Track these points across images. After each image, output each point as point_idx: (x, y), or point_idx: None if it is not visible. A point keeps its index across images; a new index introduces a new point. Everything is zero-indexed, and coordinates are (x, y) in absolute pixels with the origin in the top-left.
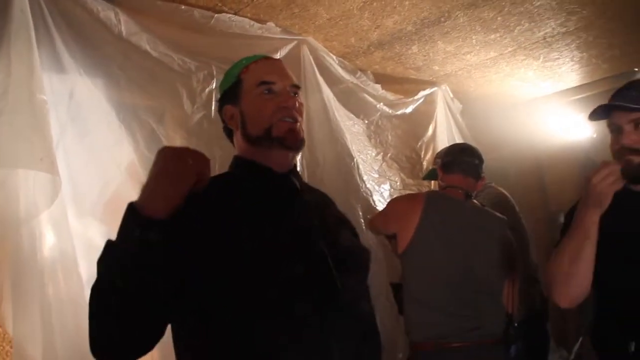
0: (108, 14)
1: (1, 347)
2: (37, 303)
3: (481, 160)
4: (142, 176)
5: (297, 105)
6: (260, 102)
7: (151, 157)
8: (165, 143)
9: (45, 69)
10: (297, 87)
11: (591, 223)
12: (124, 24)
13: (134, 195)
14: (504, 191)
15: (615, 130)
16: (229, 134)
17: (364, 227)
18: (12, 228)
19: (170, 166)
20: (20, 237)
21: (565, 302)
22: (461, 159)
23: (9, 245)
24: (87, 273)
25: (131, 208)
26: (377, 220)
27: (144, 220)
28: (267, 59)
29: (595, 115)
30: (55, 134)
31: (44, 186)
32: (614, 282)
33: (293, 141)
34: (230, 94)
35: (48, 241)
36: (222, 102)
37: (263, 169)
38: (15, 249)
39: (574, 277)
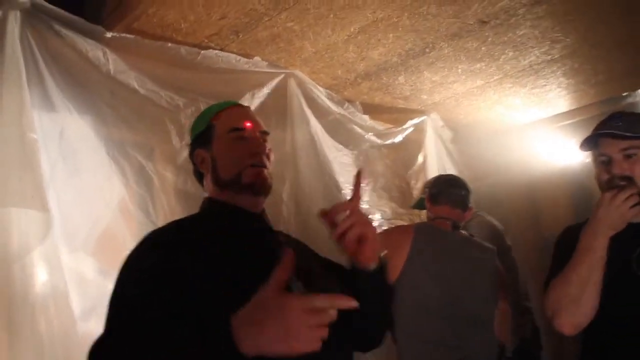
0: (96, 53)
1: None
2: (30, 338)
3: (468, 191)
4: (132, 212)
5: (266, 150)
6: (231, 148)
7: (140, 192)
8: (155, 179)
9: (36, 107)
10: (266, 133)
11: (603, 246)
12: (112, 63)
13: (124, 231)
14: (493, 220)
15: (604, 161)
16: (200, 176)
17: None
18: (4, 265)
19: (295, 325)
20: (12, 273)
21: (570, 328)
22: (448, 191)
23: (2, 282)
24: (79, 307)
25: (229, 336)
26: None
27: (235, 355)
28: (237, 106)
29: (585, 145)
30: (46, 171)
31: (36, 223)
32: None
33: (261, 187)
34: (201, 139)
35: (40, 277)
36: (193, 146)
37: (235, 209)
38: (7, 286)
39: (582, 303)
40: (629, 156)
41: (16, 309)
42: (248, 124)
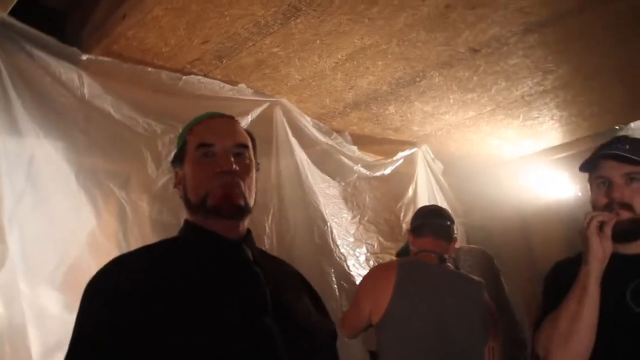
0: (71, 75)
1: None
2: None
3: (452, 222)
4: (103, 244)
5: (235, 168)
6: (197, 167)
7: (112, 223)
8: (128, 208)
9: (1, 132)
10: (242, 146)
11: (589, 278)
12: (87, 86)
13: (93, 265)
14: (481, 247)
15: (604, 184)
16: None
17: (337, 294)
18: None
19: None
20: None
21: None
22: (430, 221)
23: None
24: (41, 344)
25: None
26: (348, 313)
27: None
28: (212, 118)
29: (585, 167)
30: (8, 200)
31: None
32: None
33: (229, 210)
34: (177, 157)
35: None
36: (172, 165)
37: (211, 235)
38: None
39: (573, 337)
40: (631, 180)
41: None
42: (217, 139)
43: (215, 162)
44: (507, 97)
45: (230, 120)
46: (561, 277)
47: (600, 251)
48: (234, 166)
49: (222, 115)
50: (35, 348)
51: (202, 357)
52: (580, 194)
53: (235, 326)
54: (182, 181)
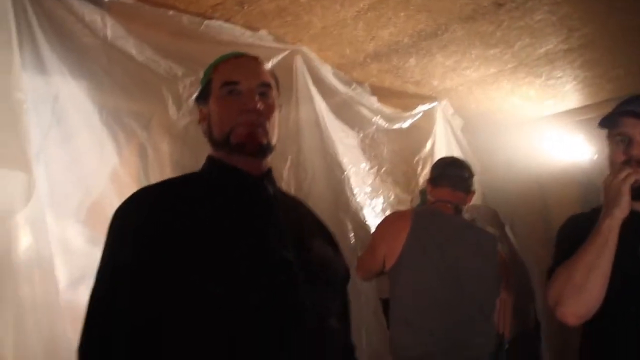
0: (94, 17)
1: None
2: (10, 304)
3: (471, 174)
4: (124, 181)
5: (259, 107)
6: (222, 104)
7: (134, 161)
8: (149, 149)
9: (28, 69)
10: (267, 85)
11: (609, 229)
12: (110, 28)
13: (116, 200)
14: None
15: (623, 141)
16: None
17: (352, 242)
18: None
19: None
20: None
21: (573, 318)
22: (449, 172)
23: None
24: (67, 276)
25: None
26: (364, 256)
27: None
28: (237, 57)
29: (604, 123)
30: (35, 134)
31: (21, 186)
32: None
33: (253, 147)
34: (202, 94)
35: (24, 242)
36: (197, 102)
37: (233, 171)
38: None
39: (587, 290)
40: None
41: None
42: (242, 77)
43: (240, 100)
44: (530, 54)
45: (256, 60)
46: (576, 230)
47: (628, 207)
48: (259, 105)
49: (247, 55)
50: (61, 279)
51: (224, 288)
52: (596, 157)
53: (256, 259)
54: (207, 118)
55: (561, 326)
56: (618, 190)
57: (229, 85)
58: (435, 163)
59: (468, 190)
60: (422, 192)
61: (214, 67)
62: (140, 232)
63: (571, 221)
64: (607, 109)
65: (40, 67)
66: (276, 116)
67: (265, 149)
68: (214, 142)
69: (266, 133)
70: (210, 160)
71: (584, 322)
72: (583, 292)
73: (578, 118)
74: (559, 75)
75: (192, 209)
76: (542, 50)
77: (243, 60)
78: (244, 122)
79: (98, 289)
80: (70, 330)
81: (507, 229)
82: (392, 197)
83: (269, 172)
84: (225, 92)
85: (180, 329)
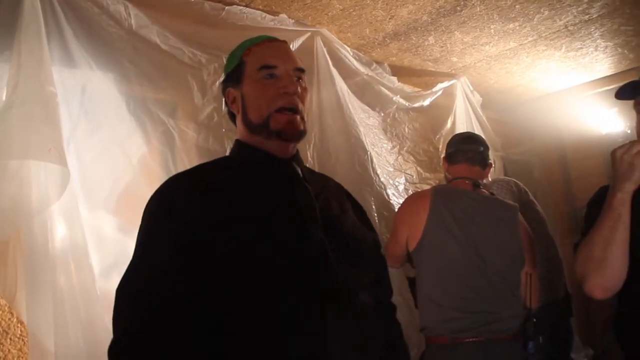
0: (118, 7)
1: (20, 338)
2: (49, 293)
3: (486, 147)
4: (153, 169)
5: (298, 90)
6: (260, 87)
7: (162, 149)
8: (176, 136)
9: (56, 63)
10: (301, 70)
11: (621, 203)
12: (134, 18)
13: (145, 189)
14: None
15: None
16: (233, 117)
17: (376, 220)
18: (24, 219)
19: None
20: (32, 227)
21: (599, 292)
22: (464, 148)
23: (22, 235)
24: (99, 265)
25: None
26: (388, 244)
27: None
28: (270, 40)
29: (623, 93)
30: (66, 128)
31: (55, 178)
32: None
33: (292, 134)
34: (232, 76)
35: (60, 232)
36: (225, 84)
37: (264, 154)
38: (27, 240)
39: (608, 263)
40: None
41: (36, 263)
42: (280, 61)
43: (279, 84)
44: (549, 26)
45: (287, 44)
46: (603, 202)
47: (635, 174)
48: (298, 88)
49: (278, 39)
50: (95, 267)
51: (258, 268)
52: (629, 131)
53: (288, 237)
54: (240, 101)
55: (585, 299)
56: (631, 164)
57: (268, 69)
58: (449, 141)
59: (485, 164)
60: None
61: (246, 49)
62: (174, 220)
63: (600, 193)
64: (630, 78)
65: (68, 59)
66: (308, 101)
67: (301, 135)
68: (248, 125)
69: (303, 120)
70: (238, 144)
71: (616, 296)
72: (604, 266)
73: (599, 89)
74: (579, 46)
75: (225, 193)
76: (562, 22)
77: (278, 44)
78: (284, 106)
79: (136, 277)
80: (107, 315)
81: (532, 196)
82: (415, 175)
83: (297, 154)
84: (262, 75)
85: (219, 308)
